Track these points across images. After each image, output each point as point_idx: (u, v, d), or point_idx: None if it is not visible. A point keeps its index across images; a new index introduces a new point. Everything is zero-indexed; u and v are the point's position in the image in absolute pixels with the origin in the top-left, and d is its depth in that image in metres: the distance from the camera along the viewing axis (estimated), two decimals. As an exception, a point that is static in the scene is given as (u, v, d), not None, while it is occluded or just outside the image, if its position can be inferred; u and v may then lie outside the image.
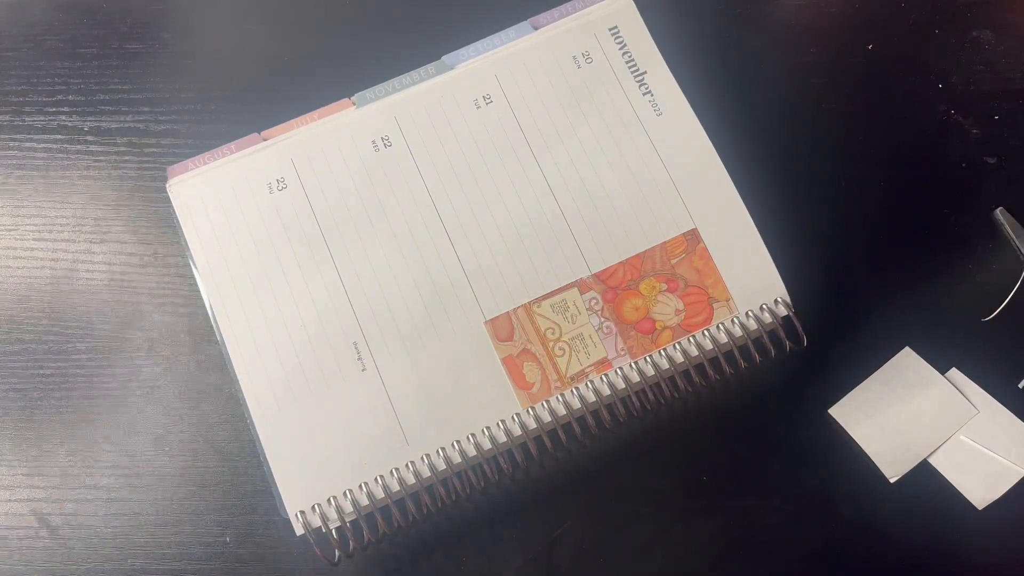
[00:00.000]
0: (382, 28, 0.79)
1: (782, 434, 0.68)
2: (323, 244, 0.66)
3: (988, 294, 0.71)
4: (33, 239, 0.75)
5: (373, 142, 0.68)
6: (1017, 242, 0.70)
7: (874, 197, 0.73)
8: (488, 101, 0.69)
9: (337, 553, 0.63)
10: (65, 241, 0.75)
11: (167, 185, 0.68)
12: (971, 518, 0.66)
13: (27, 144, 0.78)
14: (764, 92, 0.76)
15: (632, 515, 0.67)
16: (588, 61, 0.70)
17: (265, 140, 0.69)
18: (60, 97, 0.79)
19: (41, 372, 0.72)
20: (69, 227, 0.75)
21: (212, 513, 0.69)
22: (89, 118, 0.78)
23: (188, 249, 0.67)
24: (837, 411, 0.69)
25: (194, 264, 0.67)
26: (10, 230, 0.76)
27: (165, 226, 0.74)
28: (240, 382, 0.64)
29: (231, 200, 0.67)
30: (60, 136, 0.78)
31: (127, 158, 0.77)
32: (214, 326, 0.66)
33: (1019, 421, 0.67)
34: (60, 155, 0.77)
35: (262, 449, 0.63)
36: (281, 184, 0.67)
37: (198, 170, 0.68)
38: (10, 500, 0.69)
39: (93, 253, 0.75)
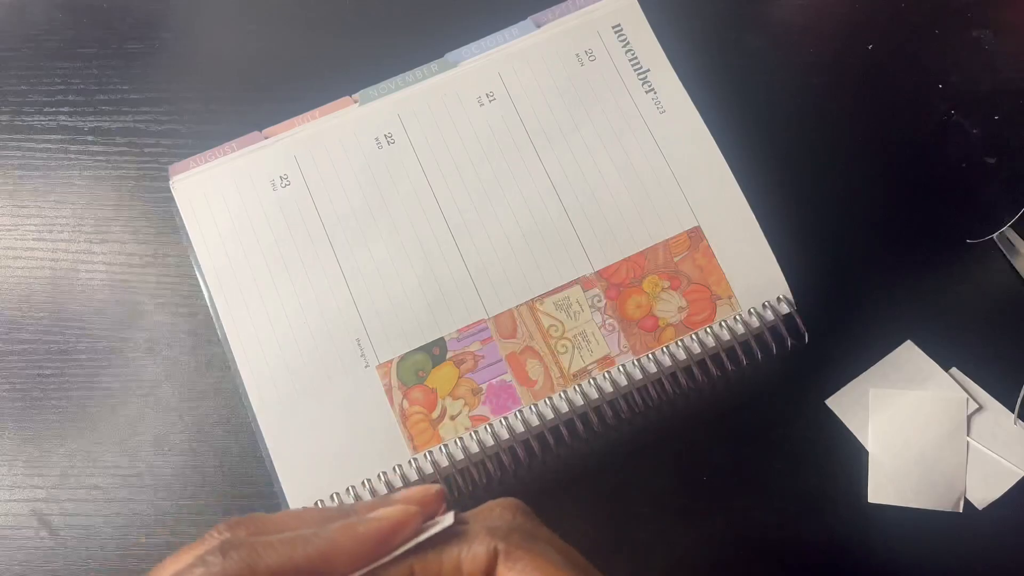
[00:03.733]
0: (383, 27, 0.79)
1: (782, 429, 0.68)
2: (326, 241, 0.67)
3: (988, 294, 0.71)
4: (33, 239, 0.75)
5: (376, 139, 0.68)
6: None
7: (875, 196, 0.73)
8: (491, 98, 0.69)
9: None
10: (65, 241, 0.75)
11: (170, 183, 0.68)
12: (971, 518, 0.66)
13: (27, 144, 0.77)
14: (765, 91, 0.76)
15: (632, 515, 0.67)
16: (591, 59, 0.70)
17: (267, 138, 0.69)
18: (60, 97, 0.78)
19: (41, 372, 0.72)
20: (69, 227, 0.75)
21: (212, 513, 0.68)
22: (89, 118, 0.78)
23: (191, 246, 0.67)
24: (834, 402, 0.69)
25: (196, 261, 0.67)
26: (10, 230, 0.75)
27: (165, 226, 0.74)
28: (242, 378, 0.64)
29: (234, 197, 0.67)
30: (60, 136, 0.78)
31: (127, 158, 0.77)
32: (216, 322, 0.66)
33: (1020, 421, 0.67)
34: (60, 155, 0.77)
35: (264, 444, 0.63)
36: (285, 181, 0.67)
37: (201, 168, 0.68)
38: (10, 500, 0.69)
39: (93, 253, 0.75)
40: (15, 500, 0.69)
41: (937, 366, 0.69)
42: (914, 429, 0.67)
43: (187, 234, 0.67)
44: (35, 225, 0.75)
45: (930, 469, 0.67)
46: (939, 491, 0.66)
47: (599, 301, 0.65)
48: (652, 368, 0.64)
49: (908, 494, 0.66)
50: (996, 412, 0.68)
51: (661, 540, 0.66)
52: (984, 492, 0.66)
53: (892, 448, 0.67)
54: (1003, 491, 0.66)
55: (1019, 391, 0.68)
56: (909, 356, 0.69)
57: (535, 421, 0.63)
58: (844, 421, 0.68)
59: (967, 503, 0.66)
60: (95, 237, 0.75)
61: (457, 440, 0.63)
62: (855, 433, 0.68)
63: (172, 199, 0.68)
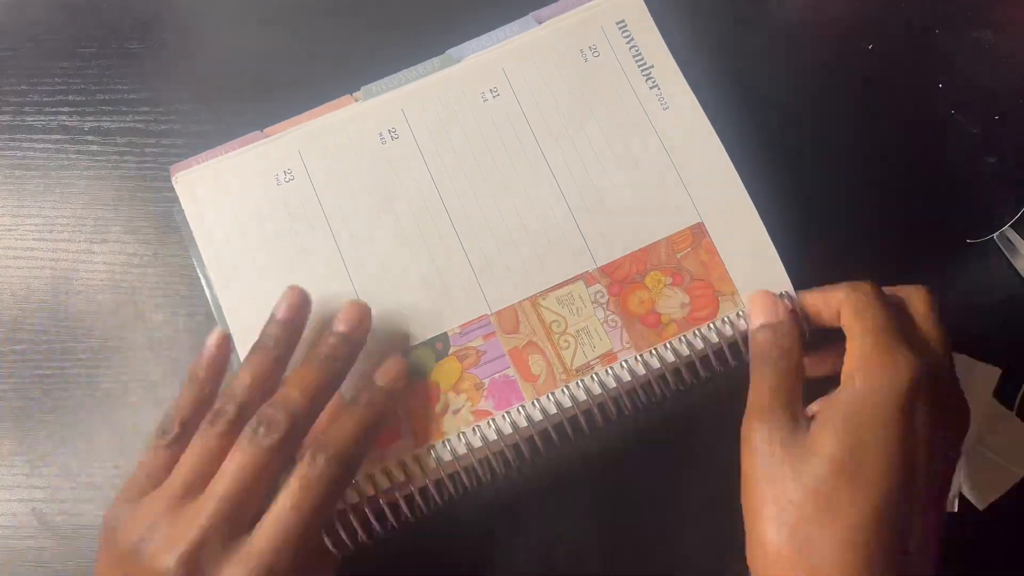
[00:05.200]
0: (383, 26, 0.79)
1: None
2: (330, 235, 0.66)
3: (988, 294, 0.71)
4: (33, 239, 0.75)
5: (380, 134, 0.68)
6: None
7: (875, 196, 0.73)
8: (495, 94, 0.69)
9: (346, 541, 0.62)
10: (65, 241, 0.75)
11: (172, 179, 0.68)
12: (971, 518, 0.66)
13: (27, 144, 0.77)
14: (765, 91, 0.76)
15: (632, 515, 0.67)
16: (595, 55, 0.70)
17: (268, 137, 0.69)
18: (60, 97, 0.79)
19: (41, 372, 0.72)
20: (69, 227, 0.75)
21: (213, 513, 0.68)
22: (89, 118, 0.78)
23: (194, 243, 0.66)
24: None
25: (199, 258, 0.66)
26: (10, 230, 0.75)
27: (165, 226, 0.74)
28: None
29: (239, 191, 0.67)
30: (60, 136, 0.78)
31: (127, 158, 0.77)
32: (217, 317, 0.65)
33: (1019, 421, 0.67)
34: (60, 155, 0.77)
35: None
36: (288, 176, 0.67)
37: (203, 165, 0.68)
38: (10, 500, 0.69)
39: (93, 253, 0.75)
40: (15, 500, 0.69)
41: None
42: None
43: (190, 230, 0.67)
44: (35, 225, 0.75)
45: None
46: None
47: (602, 297, 0.65)
48: (655, 364, 0.64)
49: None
50: (996, 412, 0.68)
51: (661, 540, 0.66)
52: (984, 492, 0.66)
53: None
54: (1003, 491, 0.66)
55: (1019, 391, 0.68)
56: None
57: (538, 416, 0.63)
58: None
59: (967, 503, 0.66)
60: (95, 237, 0.75)
61: (460, 435, 0.62)
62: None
63: (172, 199, 0.68)
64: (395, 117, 0.69)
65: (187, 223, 0.67)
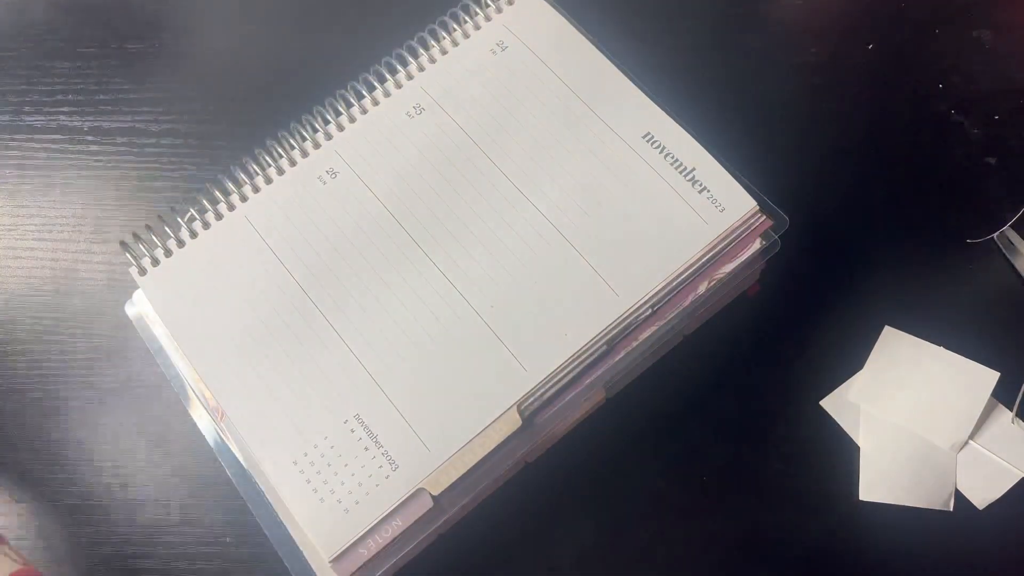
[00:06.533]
0: (383, 26, 0.79)
1: (778, 430, 0.68)
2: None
3: (988, 294, 0.71)
4: (33, 239, 0.75)
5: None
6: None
7: (874, 196, 0.73)
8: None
9: None
10: (65, 241, 0.75)
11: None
12: (971, 518, 0.66)
13: (27, 144, 0.78)
14: (764, 92, 0.76)
15: (632, 515, 0.67)
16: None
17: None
18: (60, 97, 0.79)
19: (41, 372, 0.72)
20: (69, 227, 0.75)
21: (212, 513, 0.68)
22: (89, 118, 0.78)
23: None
24: (828, 403, 0.69)
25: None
26: (10, 230, 0.76)
27: (165, 227, 0.75)
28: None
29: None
30: (60, 136, 0.78)
31: (127, 158, 0.77)
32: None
33: (1019, 422, 0.67)
34: (60, 155, 0.77)
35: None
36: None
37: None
38: (11, 501, 0.69)
39: (93, 253, 0.75)
40: (16, 501, 0.69)
41: (934, 345, 0.69)
42: (920, 417, 0.67)
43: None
44: (35, 225, 0.76)
45: (920, 466, 0.66)
46: (929, 488, 0.66)
47: None
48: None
49: (899, 492, 0.66)
50: (996, 412, 0.68)
51: (661, 540, 0.66)
52: (984, 492, 0.66)
53: (884, 445, 0.67)
54: (1003, 491, 0.66)
55: (1018, 392, 0.68)
56: (895, 342, 0.69)
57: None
58: (838, 421, 0.68)
59: (967, 503, 0.66)
60: (95, 237, 0.75)
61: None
62: (849, 433, 0.68)
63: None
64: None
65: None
